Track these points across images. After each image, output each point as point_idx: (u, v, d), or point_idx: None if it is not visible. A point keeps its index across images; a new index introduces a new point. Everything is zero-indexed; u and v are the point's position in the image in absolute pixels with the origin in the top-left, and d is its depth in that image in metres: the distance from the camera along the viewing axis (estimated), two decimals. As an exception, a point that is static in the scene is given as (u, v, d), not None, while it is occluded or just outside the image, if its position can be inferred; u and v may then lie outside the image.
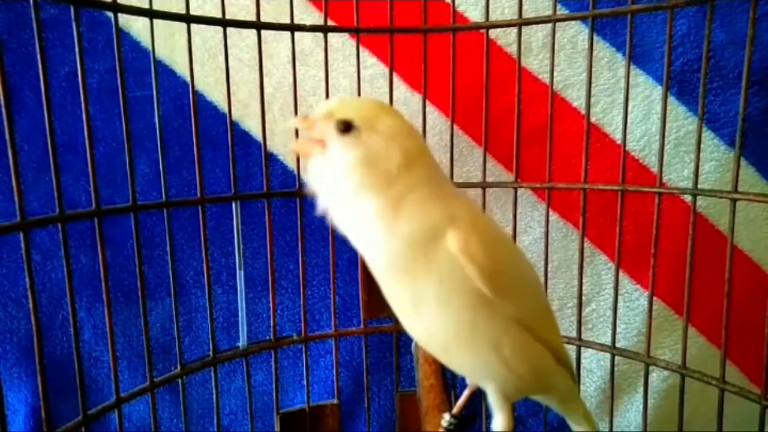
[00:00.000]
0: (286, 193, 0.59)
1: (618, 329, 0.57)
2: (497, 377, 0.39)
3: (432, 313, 0.37)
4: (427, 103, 0.60)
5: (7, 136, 0.36)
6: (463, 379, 0.47)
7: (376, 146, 0.36)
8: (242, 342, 0.58)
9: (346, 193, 0.36)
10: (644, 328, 0.56)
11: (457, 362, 0.41)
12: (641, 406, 0.56)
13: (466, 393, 0.46)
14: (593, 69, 0.55)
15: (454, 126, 0.61)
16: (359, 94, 0.58)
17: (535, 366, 0.40)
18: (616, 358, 0.57)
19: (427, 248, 0.36)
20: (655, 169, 0.57)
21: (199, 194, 0.52)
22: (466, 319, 0.37)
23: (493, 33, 0.63)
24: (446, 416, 0.47)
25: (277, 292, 0.59)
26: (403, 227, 0.36)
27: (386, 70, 0.61)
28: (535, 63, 0.64)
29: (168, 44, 0.62)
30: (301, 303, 0.59)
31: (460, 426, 0.46)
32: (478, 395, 0.45)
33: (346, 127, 0.36)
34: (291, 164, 0.64)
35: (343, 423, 0.65)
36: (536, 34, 0.63)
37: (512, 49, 0.63)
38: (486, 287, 0.35)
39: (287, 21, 0.56)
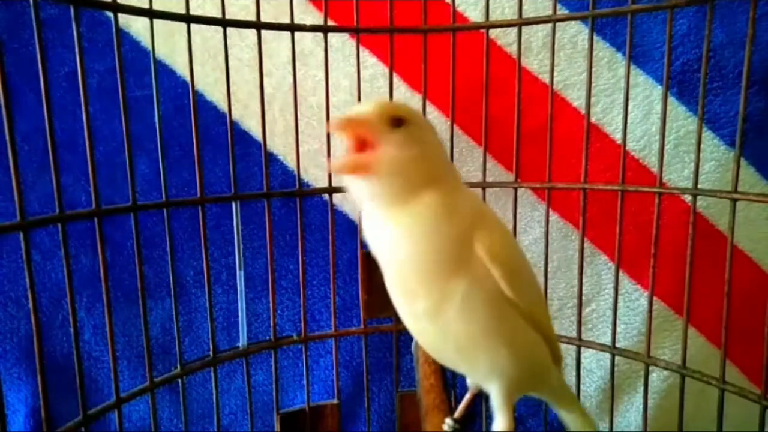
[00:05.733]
0: (286, 193, 0.59)
1: (618, 329, 0.57)
2: (505, 374, 0.39)
3: (455, 314, 0.36)
4: (427, 103, 0.60)
5: (7, 136, 0.36)
6: (463, 379, 0.47)
7: (430, 141, 0.37)
8: (242, 342, 0.58)
9: (406, 188, 0.35)
10: (644, 328, 0.56)
11: (471, 363, 0.40)
12: (641, 406, 0.56)
13: (467, 397, 0.46)
14: (593, 69, 0.55)
15: (454, 126, 0.61)
16: (359, 94, 0.58)
17: (537, 360, 0.40)
18: (616, 358, 0.57)
19: (462, 247, 0.35)
20: (655, 169, 0.57)
21: (199, 194, 0.52)
22: (489, 319, 0.36)
23: (493, 33, 0.63)
24: (448, 420, 0.47)
25: (277, 292, 0.59)
26: (454, 221, 0.35)
27: (386, 70, 0.61)
28: (535, 63, 0.64)
29: (168, 44, 0.62)
30: (301, 303, 0.59)
31: (462, 430, 0.46)
32: (479, 396, 0.45)
33: (399, 123, 0.35)
34: (291, 164, 0.64)
35: (343, 423, 0.65)
36: (536, 34, 0.63)
37: (512, 49, 0.63)
38: (509, 288, 0.36)
39: (287, 21, 0.56)
